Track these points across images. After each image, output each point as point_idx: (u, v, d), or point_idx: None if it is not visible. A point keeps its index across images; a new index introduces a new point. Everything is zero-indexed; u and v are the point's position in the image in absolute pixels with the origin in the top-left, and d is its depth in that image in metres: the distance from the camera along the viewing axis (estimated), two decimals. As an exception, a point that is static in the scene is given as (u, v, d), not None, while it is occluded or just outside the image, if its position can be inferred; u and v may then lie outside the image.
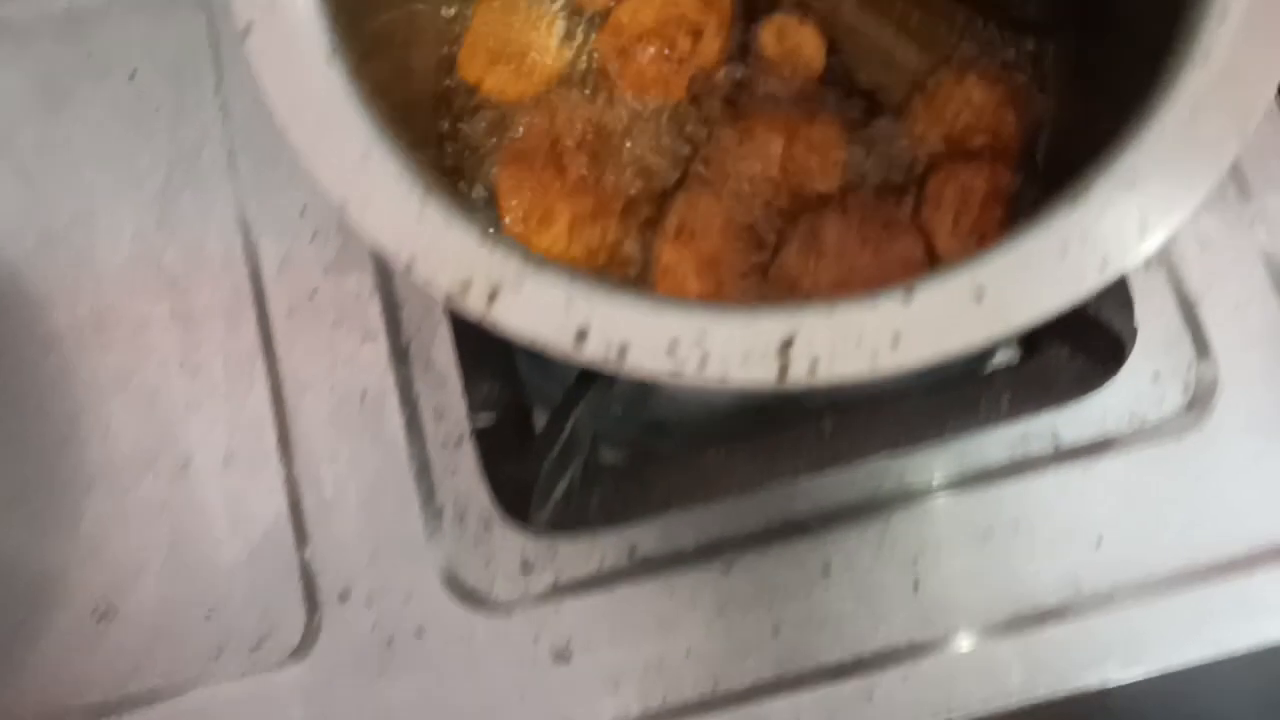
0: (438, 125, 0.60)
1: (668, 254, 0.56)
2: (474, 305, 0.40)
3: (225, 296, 0.66)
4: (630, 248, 0.58)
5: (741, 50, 0.60)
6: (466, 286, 0.40)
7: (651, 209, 0.58)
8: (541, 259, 0.41)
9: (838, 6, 0.59)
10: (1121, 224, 0.39)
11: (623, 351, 0.39)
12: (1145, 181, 0.39)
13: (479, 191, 0.59)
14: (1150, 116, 0.40)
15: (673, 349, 0.39)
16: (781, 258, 0.57)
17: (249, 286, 0.66)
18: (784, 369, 0.39)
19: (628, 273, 0.57)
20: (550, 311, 0.40)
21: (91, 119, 0.69)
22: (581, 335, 0.39)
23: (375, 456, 0.63)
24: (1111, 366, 0.59)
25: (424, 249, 0.41)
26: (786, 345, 0.39)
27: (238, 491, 0.63)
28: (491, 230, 0.41)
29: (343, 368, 0.64)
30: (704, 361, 0.39)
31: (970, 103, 0.58)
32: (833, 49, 0.60)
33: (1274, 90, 0.39)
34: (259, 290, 0.66)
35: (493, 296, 0.40)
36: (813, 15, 0.60)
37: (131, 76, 0.70)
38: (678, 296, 0.52)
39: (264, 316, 0.65)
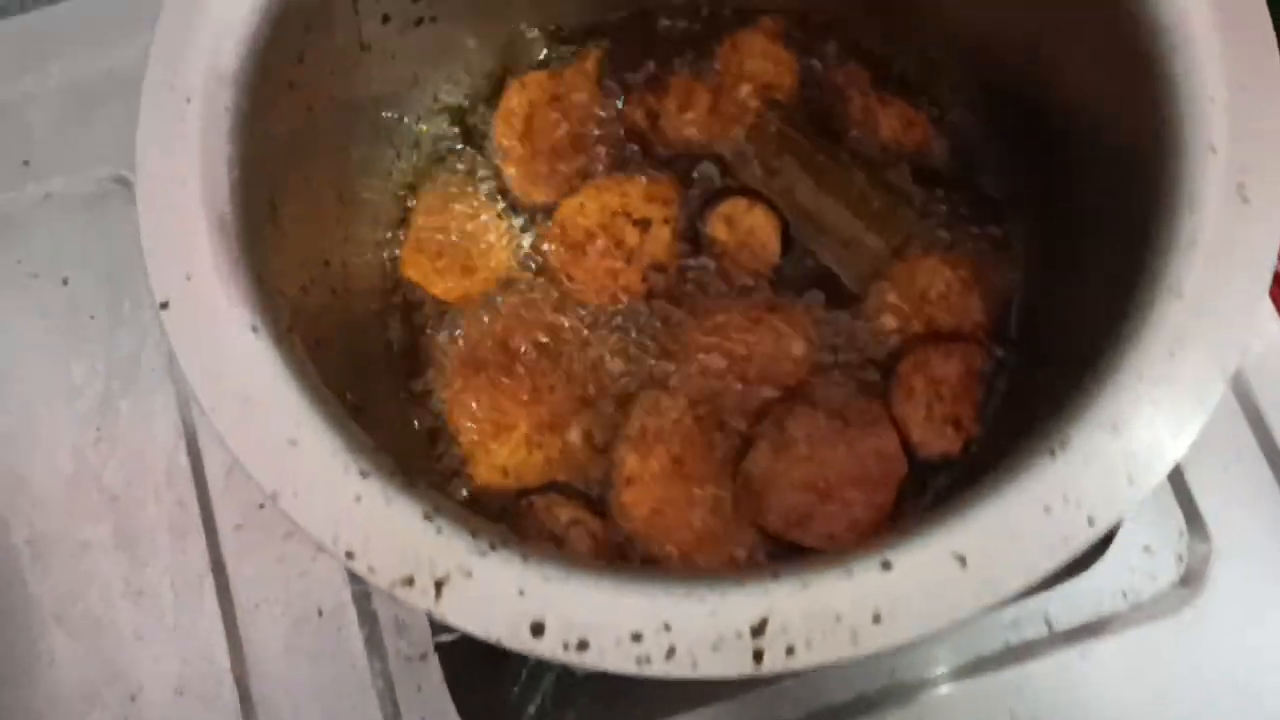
0: (385, 333, 0.57)
1: (631, 462, 0.54)
2: (420, 600, 0.37)
3: (170, 512, 0.62)
4: (591, 457, 0.55)
5: (695, 241, 0.57)
6: (410, 580, 0.37)
7: (612, 413, 0.55)
8: (492, 541, 0.38)
9: (792, 189, 0.57)
10: (1107, 476, 0.37)
11: (583, 645, 0.37)
12: (1128, 426, 0.37)
13: (434, 405, 0.56)
14: (1127, 351, 0.38)
15: (637, 639, 0.36)
16: (750, 457, 0.54)
17: (194, 500, 0.63)
18: (758, 655, 0.36)
19: (590, 483, 0.54)
20: (502, 602, 0.37)
21: (22, 329, 0.66)
22: (537, 629, 0.37)
23: (335, 676, 0.60)
24: (1101, 545, 0.56)
25: (362, 538, 0.38)
26: (759, 629, 0.36)
27: (192, 723, 0.60)
28: (433, 512, 0.38)
29: (296, 582, 0.61)
30: (671, 652, 0.36)
31: (936, 285, 0.56)
32: (790, 233, 0.57)
33: (1251, 326, 0.37)
34: (205, 504, 0.63)
35: (439, 588, 0.37)
36: (765, 200, 0.57)
37: (64, 282, 0.66)
38: (641, 531, 0.50)
39: (212, 532, 0.62)
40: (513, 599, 0.37)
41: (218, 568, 0.61)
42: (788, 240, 0.58)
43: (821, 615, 0.36)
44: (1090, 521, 0.36)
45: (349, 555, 0.37)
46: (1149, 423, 0.37)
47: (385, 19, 0.52)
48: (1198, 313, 0.38)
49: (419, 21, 0.54)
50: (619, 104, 0.60)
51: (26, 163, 0.69)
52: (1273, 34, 0.40)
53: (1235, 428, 0.59)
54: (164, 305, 0.40)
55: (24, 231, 0.68)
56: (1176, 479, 0.58)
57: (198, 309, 0.40)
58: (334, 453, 0.38)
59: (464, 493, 0.55)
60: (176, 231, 0.41)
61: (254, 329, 0.40)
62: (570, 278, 0.56)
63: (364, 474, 0.38)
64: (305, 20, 0.46)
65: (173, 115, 0.42)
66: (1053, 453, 0.37)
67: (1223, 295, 0.38)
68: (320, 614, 0.60)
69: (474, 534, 0.38)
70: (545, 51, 0.61)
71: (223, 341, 0.39)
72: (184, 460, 0.63)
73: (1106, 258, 0.46)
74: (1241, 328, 0.37)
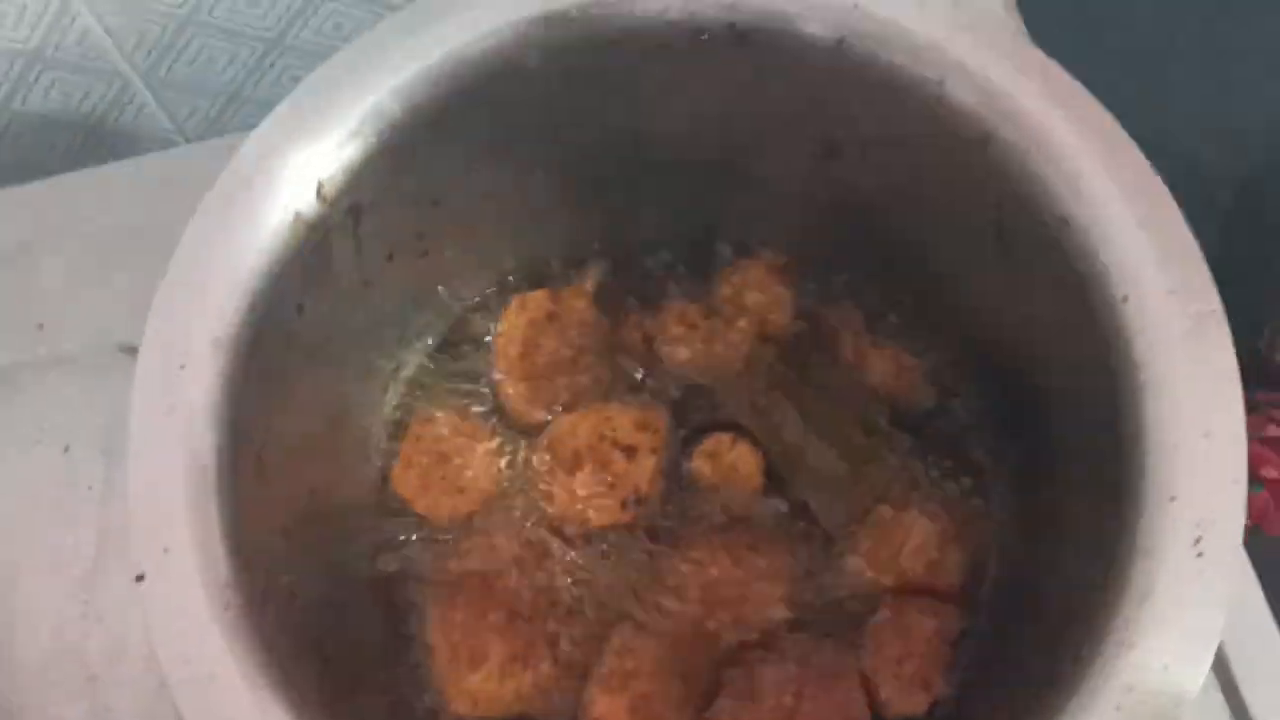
0: (367, 555, 0.58)
1: (601, 701, 0.54)
2: None
3: (148, 698, 0.63)
4: (561, 691, 0.55)
5: (679, 473, 0.58)
6: None
7: (583, 646, 0.56)
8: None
9: (779, 426, 0.58)
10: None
11: None
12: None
13: (412, 623, 0.57)
14: (1072, 701, 0.38)
15: None
16: (716, 706, 0.54)
17: (174, 686, 0.63)
18: None
19: (558, 717, 0.55)
20: None
21: (19, 493, 0.67)
22: None
23: None
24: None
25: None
26: None
27: None
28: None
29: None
30: None
31: (914, 538, 0.56)
32: (773, 470, 0.58)
33: (1198, 686, 0.38)
34: (184, 689, 0.63)
35: None
36: (749, 435, 0.58)
37: (65, 449, 0.68)
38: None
39: None
40: None
41: (191, 758, 0.62)
42: (769, 476, 0.58)
43: None
44: None
45: None
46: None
47: (390, 257, 0.53)
48: (1146, 667, 0.38)
49: (424, 254, 0.56)
50: (615, 327, 0.61)
51: (40, 326, 0.71)
52: (1236, 377, 0.41)
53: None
54: (139, 579, 0.41)
55: (31, 394, 0.70)
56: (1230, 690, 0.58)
57: (172, 584, 0.41)
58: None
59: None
60: (160, 503, 0.42)
61: (226, 606, 0.41)
62: (554, 502, 0.57)
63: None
64: (305, 273, 0.48)
65: (166, 381, 0.43)
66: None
67: (1173, 653, 0.38)
68: (287, 810, 0.60)
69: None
70: (547, 271, 0.62)
71: (194, 620, 0.40)
72: (166, 640, 0.64)
73: (1078, 558, 0.47)
74: (1191, 685, 0.38)
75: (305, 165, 0.47)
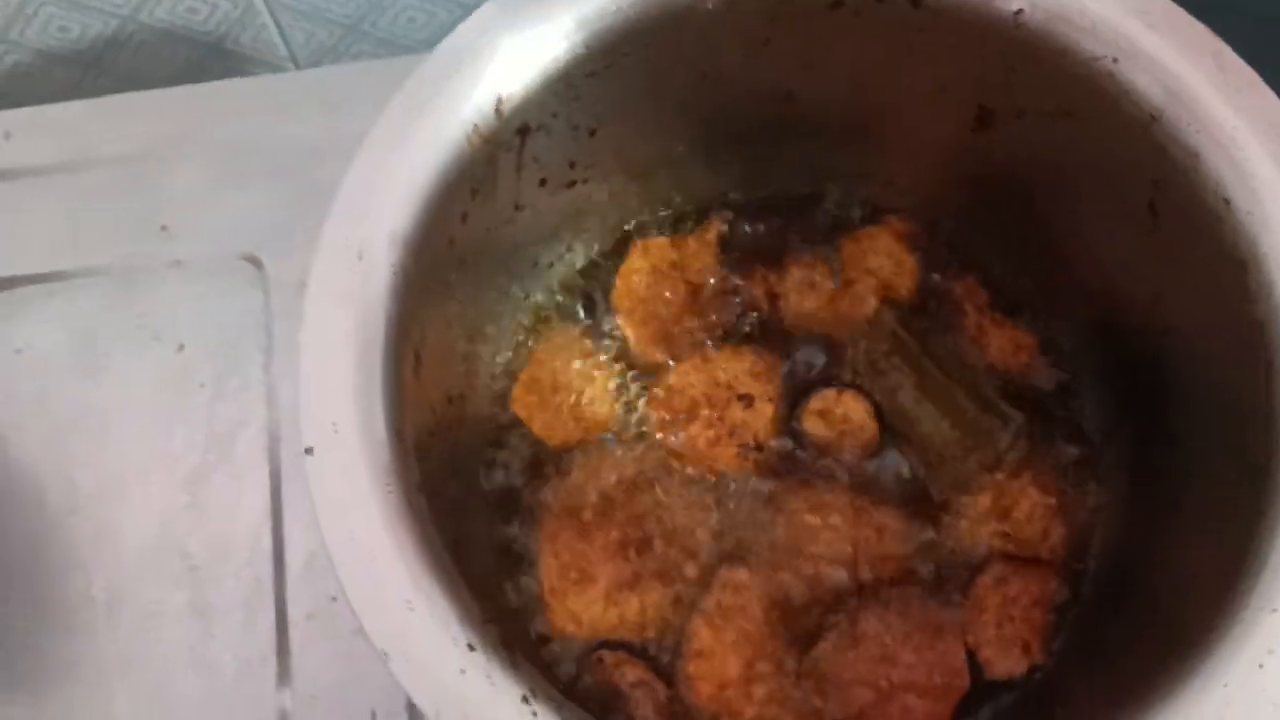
0: (487, 466, 0.59)
1: (704, 635, 0.55)
2: (505, 781, 0.39)
3: (245, 590, 0.65)
4: (665, 621, 0.56)
5: (796, 432, 0.59)
6: (501, 761, 0.39)
7: (692, 582, 0.57)
8: (581, 736, 0.39)
9: (895, 390, 0.59)
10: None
11: None
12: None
13: (522, 539, 0.58)
14: (1211, 659, 0.39)
15: None
16: (819, 647, 0.55)
17: (271, 583, 0.65)
18: None
19: (661, 647, 0.56)
20: (582, 796, 0.39)
21: (133, 387, 0.69)
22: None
23: (378, 782, 0.61)
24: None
25: (462, 714, 0.39)
26: None
27: (233, 802, 0.61)
28: (531, 695, 0.40)
29: (357, 682, 0.63)
30: None
31: (1021, 506, 0.57)
32: (888, 430, 0.59)
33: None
34: (281, 588, 0.65)
35: (523, 774, 0.39)
36: (867, 397, 0.59)
37: (180, 348, 0.69)
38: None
39: (282, 617, 0.64)
40: (593, 795, 0.38)
41: (283, 652, 0.63)
42: (886, 444, 0.59)
43: None
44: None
45: (444, 727, 0.39)
46: (1226, 733, 0.38)
47: (542, 182, 0.55)
48: (1288, 635, 0.39)
49: (571, 184, 0.57)
50: (737, 279, 0.62)
51: (164, 227, 0.72)
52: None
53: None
54: (309, 451, 0.42)
55: (151, 293, 0.71)
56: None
57: (339, 461, 0.42)
58: (446, 623, 0.40)
59: (536, 632, 0.56)
60: (330, 382, 0.43)
61: (388, 488, 0.42)
62: (671, 442, 0.58)
63: (471, 647, 0.40)
64: (473, 186, 0.49)
65: (344, 270, 0.44)
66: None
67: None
68: (374, 716, 0.62)
69: (565, 723, 0.40)
70: (674, 217, 0.63)
71: (357, 498, 0.42)
72: (267, 542, 0.66)
73: (1202, 537, 0.47)
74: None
75: (489, 81, 0.48)
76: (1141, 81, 0.48)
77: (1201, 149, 0.46)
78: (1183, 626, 0.43)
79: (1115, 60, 0.48)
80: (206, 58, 0.89)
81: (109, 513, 0.66)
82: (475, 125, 0.48)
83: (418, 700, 0.39)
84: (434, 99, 0.47)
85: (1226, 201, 0.46)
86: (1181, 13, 0.48)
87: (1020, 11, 0.49)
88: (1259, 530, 0.42)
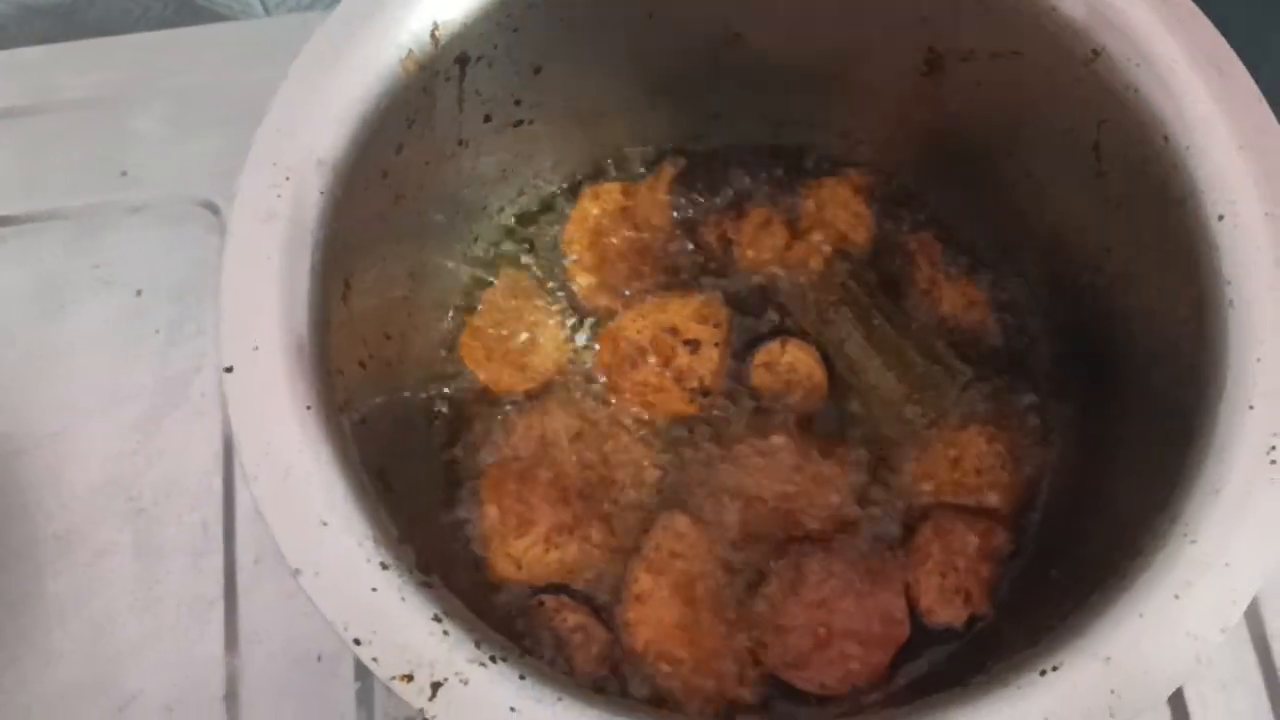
0: (430, 412, 0.59)
1: (644, 581, 0.55)
2: (414, 698, 0.39)
3: (193, 533, 0.64)
4: (606, 566, 0.56)
5: (746, 382, 0.59)
6: (409, 678, 0.39)
7: (632, 526, 0.56)
8: (494, 654, 0.39)
9: (843, 341, 0.58)
10: (1090, 709, 0.38)
11: (561, 772, 0.37)
12: (1119, 664, 0.38)
13: (464, 484, 0.58)
14: (1133, 585, 0.39)
15: (616, 778, 0.37)
16: (758, 595, 0.55)
17: (219, 526, 0.65)
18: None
19: (600, 592, 0.56)
20: (492, 715, 0.38)
21: (88, 331, 0.69)
22: (521, 748, 0.38)
23: (321, 722, 0.61)
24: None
25: (371, 631, 0.39)
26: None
27: (175, 742, 0.61)
28: (443, 615, 0.40)
29: (302, 624, 0.63)
30: (646, 798, 0.37)
31: (968, 457, 0.57)
32: (836, 382, 0.59)
33: (1256, 589, 0.38)
34: (230, 532, 0.64)
35: (435, 690, 0.39)
36: (814, 344, 0.59)
37: (137, 293, 0.69)
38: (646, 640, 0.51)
39: (230, 560, 0.64)
40: (503, 714, 0.38)
41: (229, 595, 0.63)
42: (833, 393, 0.59)
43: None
44: (1072, 752, 0.37)
45: (356, 643, 0.39)
46: (1142, 662, 0.38)
47: (487, 118, 0.54)
48: (1208, 563, 0.39)
49: (518, 123, 0.56)
50: (690, 225, 0.62)
51: (124, 173, 0.72)
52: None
53: (1240, 650, 0.59)
54: (228, 370, 0.42)
55: (109, 238, 0.71)
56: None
57: (258, 380, 0.42)
58: (360, 541, 0.40)
59: (478, 578, 0.56)
60: (253, 302, 0.43)
61: (308, 407, 0.42)
62: (616, 388, 0.58)
63: (384, 565, 0.40)
64: (409, 115, 0.49)
65: (270, 191, 0.44)
66: (1043, 673, 0.38)
67: (1236, 550, 0.39)
68: (319, 659, 0.62)
69: (478, 644, 0.39)
70: (625, 164, 0.63)
71: (276, 415, 0.41)
72: (217, 485, 0.65)
73: (1134, 479, 0.47)
74: (1250, 587, 0.38)
75: (425, 6, 0.47)
76: (1081, 15, 0.47)
77: (1140, 84, 0.46)
78: (1111, 569, 0.42)
79: (1056, -6, 0.48)
80: (179, 12, 0.88)
81: (59, 454, 0.66)
82: (410, 50, 0.47)
83: (327, 616, 0.39)
84: (368, 22, 0.46)
85: (1165, 138, 0.46)
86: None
87: (964, -52, 0.48)
88: (1184, 466, 0.41)
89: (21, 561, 0.64)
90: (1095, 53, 0.47)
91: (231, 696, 0.62)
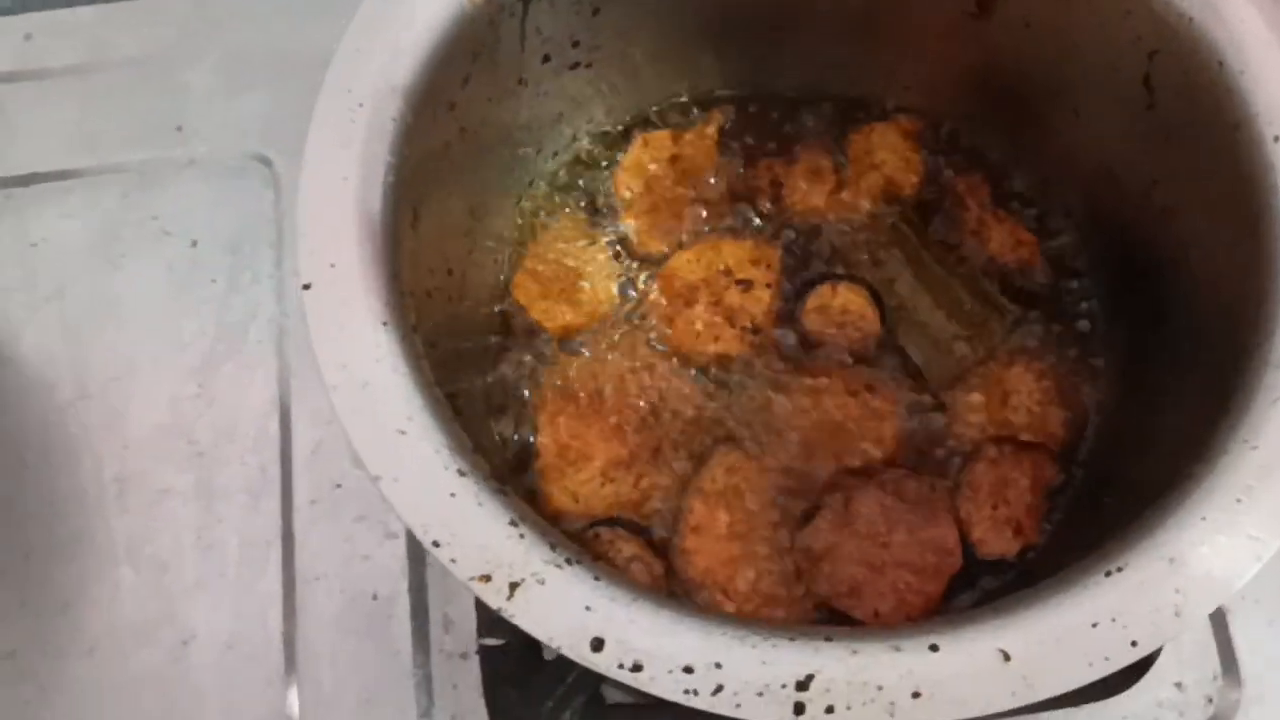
0: (487, 346, 0.60)
1: (699, 511, 0.56)
2: (492, 598, 0.40)
3: (251, 476, 0.66)
4: (661, 500, 0.57)
5: (798, 325, 0.60)
6: (487, 579, 0.40)
7: (687, 462, 0.57)
8: (569, 557, 0.40)
9: (893, 280, 0.59)
10: (1156, 605, 0.38)
11: (638, 667, 0.39)
12: (1184, 563, 0.39)
13: (524, 421, 0.59)
14: (1195, 490, 0.40)
15: (689, 671, 0.39)
16: (813, 524, 0.56)
17: (277, 469, 0.66)
18: (799, 708, 0.38)
19: (656, 525, 0.57)
20: (568, 614, 0.40)
21: (147, 280, 0.70)
22: (598, 644, 0.39)
23: (378, 660, 0.63)
24: (1134, 673, 0.58)
25: (450, 534, 0.40)
26: (804, 684, 0.38)
27: (235, 677, 0.63)
28: (519, 519, 0.41)
29: (358, 564, 0.64)
30: (718, 689, 0.38)
31: (1018, 393, 0.58)
32: (885, 320, 0.60)
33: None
34: (286, 474, 0.66)
35: (513, 590, 0.40)
36: (865, 285, 0.60)
37: (193, 244, 0.71)
38: (702, 577, 0.52)
39: (287, 502, 0.65)
40: (579, 613, 0.39)
41: (286, 536, 0.64)
42: (885, 329, 0.60)
43: (865, 683, 0.38)
44: (1133, 644, 0.38)
45: (435, 545, 0.40)
46: (1205, 563, 0.39)
47: (546, 59, 0.55)
48: (1269, 468, 0.40)
49: (575, 65, 0.58)
50: (740, 169, 0.63)
51: (179, 128, 0.74)
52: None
53: (1287, 586, 0.60)
54: (307, 287, 0.43)
55: (166, 191, 0.72)
56: (1219, 623, 0.60)
57: (337, 296, 0.43)
58: (437, 449, 0.41)
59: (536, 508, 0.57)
60: (330, 222, 0.44)
61: (384, 323, 0.43)
62: (671, 327, 0.59)
63: (461, 473, 0.41)
64: (474, 49, 0.50)
65: (345, 116, 0.45)
66: (1109, 574, 0.39)
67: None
68: (374, 598, 0.63)
69: (553, 547, 0.40)
70: (677, 109, 0.64)
71: (354, 329, 0.43)
72: (274, 429, 0.67)
73: (1189, 398, 0.48)
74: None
75: (489, -58, 0.49)
76: (1133, -51, 0.48)
77: (1194, 12, 0.47)
78: (1174, 477, 0.43)
79: (1106, -71, 0.48)
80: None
81: (120, 399, 0.68)
82: (477, -15, 0.48)
83: (408, 520, 0.40)
84: (436, -43, 0.48)
85: (1220, 64, 0.46)
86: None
87: (1017, -119, 0.49)
88: (1242, 377, 0.42)
89: (84, 503, 0.66)
90: (1146, -17, 0.48)
91: (290, 632, 0.63)
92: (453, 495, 0.41)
